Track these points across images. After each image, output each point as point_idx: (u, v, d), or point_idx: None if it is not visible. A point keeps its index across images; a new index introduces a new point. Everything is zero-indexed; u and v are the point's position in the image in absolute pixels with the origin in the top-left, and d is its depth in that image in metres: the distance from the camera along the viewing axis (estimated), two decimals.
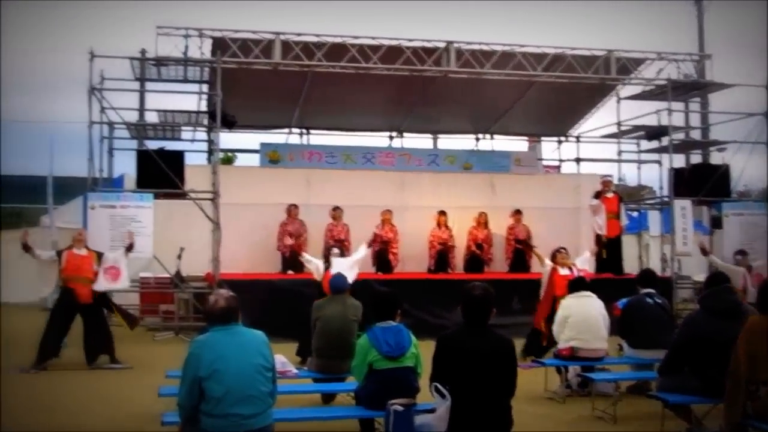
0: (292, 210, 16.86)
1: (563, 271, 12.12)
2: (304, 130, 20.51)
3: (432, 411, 5.83)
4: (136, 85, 17.94)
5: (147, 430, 7.94)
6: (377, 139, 21.03)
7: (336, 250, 12.94)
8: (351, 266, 12.35)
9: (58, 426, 8.30)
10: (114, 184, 17.19)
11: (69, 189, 20.62)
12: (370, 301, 7.19)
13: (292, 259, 16.40)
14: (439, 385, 5.66)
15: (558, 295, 11.24)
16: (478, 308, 5.72)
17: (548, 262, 12.38)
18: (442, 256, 17.34)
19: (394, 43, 15.70)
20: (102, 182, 15.80)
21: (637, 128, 18.98)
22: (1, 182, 23.98)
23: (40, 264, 12.30)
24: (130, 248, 12.92)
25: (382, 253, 16.82)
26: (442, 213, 17.54)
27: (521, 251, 17.43)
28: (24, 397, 9.65)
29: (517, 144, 22.73)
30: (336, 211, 16.89)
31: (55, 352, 11.77)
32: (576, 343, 9.71)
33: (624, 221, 17.12)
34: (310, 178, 18.26)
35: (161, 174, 14.34)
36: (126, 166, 17.59)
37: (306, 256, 13.27)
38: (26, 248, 12.10)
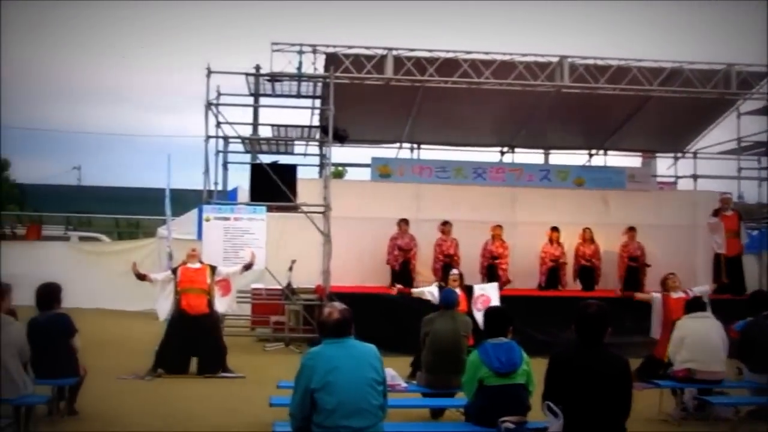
0: (402, 224, 16.88)
1: (676, 294, 11.82)
2: (415, 145, 20.52)
3: (544, 430, 5.72)
4: (251, 100, 18.34)
5: None
6: (488, 154, 20.91)
7: (455, 272, 12.79)
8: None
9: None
10: (228, 196, 17.55)
11: (185, 201, 21.15)
12: (484, 317, 7.12)
13: (401, 274, 16.47)
14: (551, 404, 5.56)
15: (675, 318, 10.87)
16: (593, 326, 5.58)
17: (655, 295, 12.22)
18: (553, 272, 17.09)
19: (506, 58, 15.58)
20: (216, 195, 16.18)
21: (758, 144, 18.34)
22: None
23: (158, 285, 12.71)
24: (249, 267, 13.20)
25: (492, 268, 16.69)
26: (555, 229, 17.30)
27: (634, 269, 17.05)
28: (139, 403, 9.90)
29: (631, 160, 22.25)
30: (446, 226, 16.84)
31: (180, 367, 12.03)
32: (693, 365, 9.41)
33: (744, 239, 16.57)
34: (420, 192, 18.25)
35: (274, 187, 14.58)
36: (240, 179, 18.00)
37: (415, 290, 13.15)
38: (140, 277, 12.62)
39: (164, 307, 12.75)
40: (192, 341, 12.04)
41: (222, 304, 12.98)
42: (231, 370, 12.11)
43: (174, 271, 12.66)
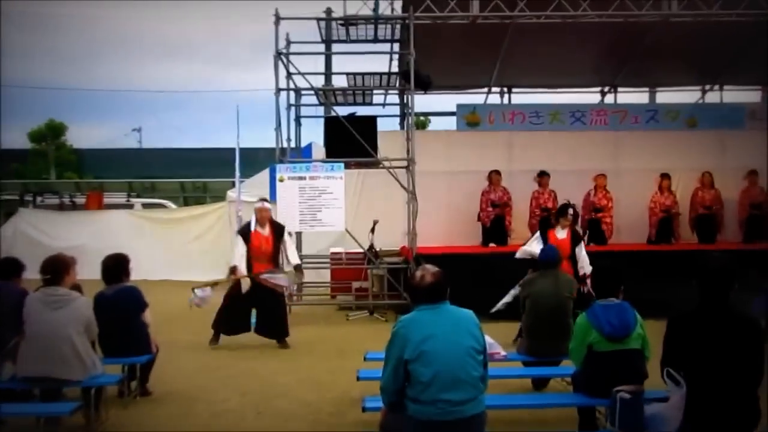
0: (494, 177, 16.81)
1: None
2: (505, 89, 20.32)
3: (664, 400, 5.66)
4: (323, 47, 18.35)
5: (348, 415, 8.14)
6: (587, 96, 20.62)
7: (571, 211, 12.53)
8: None
9: (253, 408, 8.63)
10: (302, 154, 17.68)
11: (256, 161, 21.39)
12: (592, 275, 7.08)
13: (494, 231, 16.46)
14: (672, 371, 5.47)
15: None
16: (718, 282, 5.45)
17: None
18: (665, 224, 16.86)
19: None
20: (290, 152, 16.29)
21: None
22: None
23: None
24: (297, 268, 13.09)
25: (594, 222, 16.54)
26: (665, 176, 17.01)
27: (757, 217, 16.69)
28: (217, 379, 10.07)
29: (750, 95, 21.64)
30: (542, 177, 16.75)
31: (241, 326, 12.21)
32: None
33: None
34: (512, 141, 18.19)
35: (352, 141, 14.61)
36: (314, 134, 18.09)
37: (519, 253, 12.93)
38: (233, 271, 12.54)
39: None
40: (254, 302, 12.20)
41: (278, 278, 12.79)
42: (287, 346, 12.22)
43: (245, 234, 12.64)
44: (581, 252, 11.99)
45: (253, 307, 12.22)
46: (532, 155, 17.66)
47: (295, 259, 12.72)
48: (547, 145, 17.85)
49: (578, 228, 13.65)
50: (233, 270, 12.31)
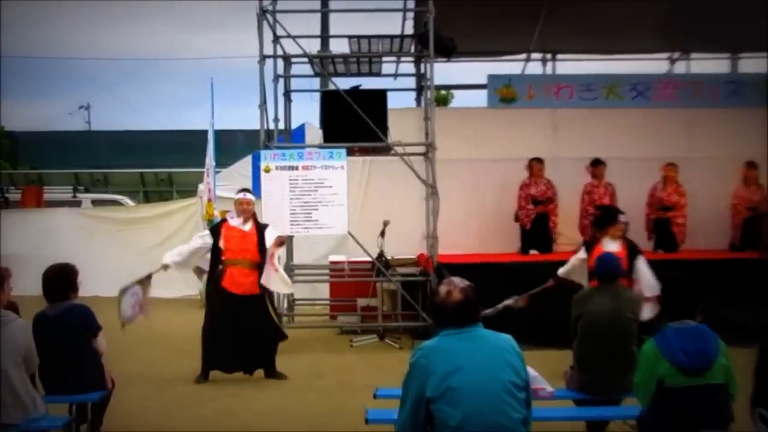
0: (534, 166, 16.79)
1: None
2: (548, 56, 20.29)
3: None
4: (318, 4, 18.33)
5: None
6: (652, 65, 20.56)
7: (622, 218, 12.48)
8: None
9: None
10: (293, 137, 17.68)
11: (233, 146, 21.38)
12: (662, 291, 7.02)
13: (535, 234, 16.50)
14: (764, 412, 5.45)
15: None
16: None
17: None
18: (751, 225, 16.70)
19: None
20: (278, 136, 16.28)
21: None
22: None
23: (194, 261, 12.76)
24: (281, 244, 13.05)
25: (663, 223, 16.48)
26: (752, 165, 16.92)
27: None
28: (192, 420, 10.08)
29: None
30: (597, 167, 16.71)
31: (239, 363, 12.24)
32: None
33: None
34: (558, 121, 18.17)
35: (356, 122, 14.61)
36: (308, 113, 18.07)
37: (562, 270, 12.80)
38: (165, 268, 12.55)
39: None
40: (241, 329, 12.16)
41: (276, 282, 12.78)
42: (279, 374, 12.22)
43: (214, 230, 12.66)
44: (643, 267, 11.91)
45: (238, 332, 12.18)
46: (583, 139, 17.64)
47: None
48: (601, 126, 17.82)
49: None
50: (165, 267, 12.48)
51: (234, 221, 12.49)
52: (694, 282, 7.03)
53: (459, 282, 5.48)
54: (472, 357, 5.24)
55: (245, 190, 12.98)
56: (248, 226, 12.48)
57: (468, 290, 5.43)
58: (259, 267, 12.31)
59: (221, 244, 12.31)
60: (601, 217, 12.89)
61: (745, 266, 15.24)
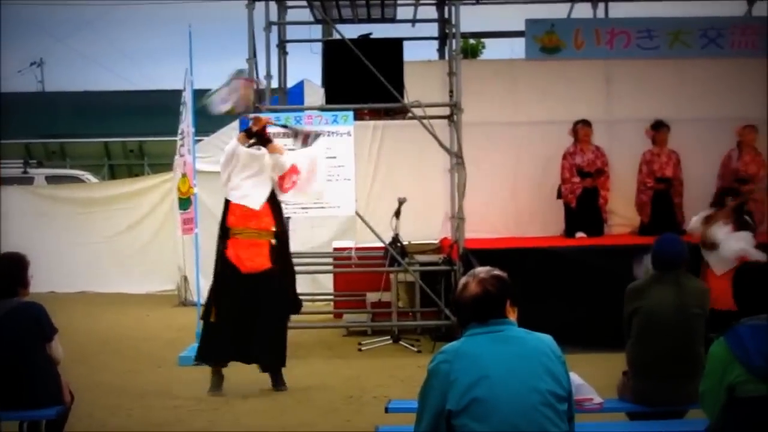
0: (581, 130, 16.75)
1: None
2: None
3: None
4: None
5: None
6: (726, 5, 20.44)
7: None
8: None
9: None
10: (290, 98, 17.65)
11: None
12: (735, 280, 7.00)
13: (582, 213, 16.48)
14: None
15: None
16: None
17: None
18: None
19: None
20: (271, 96, 16.26)
21: None
22: None
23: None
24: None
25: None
26: None
27: None
28: None
29: None
30: (659, 131, 16.64)
31: (236, 353, 12.14)
32: None
33: None
34: (611, 74, 18.06)
35: (365, 78, 14.57)
36: (307, 68, 18.02)
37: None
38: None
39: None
40: (249, 313, 12.09)
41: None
42: (283, 385, 12.17)
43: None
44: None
45: (241, 318, 12.09)
46: (642, 97, 17.55)
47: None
48: (664, 80, 17.74)
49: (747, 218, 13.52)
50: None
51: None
52: None
53: (482, 272, 5.45)
54: (503, 362, 5.20)
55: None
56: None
57: (490, 281, 5.38)
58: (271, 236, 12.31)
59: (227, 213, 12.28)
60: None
61: None
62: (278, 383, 12.08)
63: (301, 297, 15.78)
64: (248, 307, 11.97)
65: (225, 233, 12.16)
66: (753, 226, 12.54)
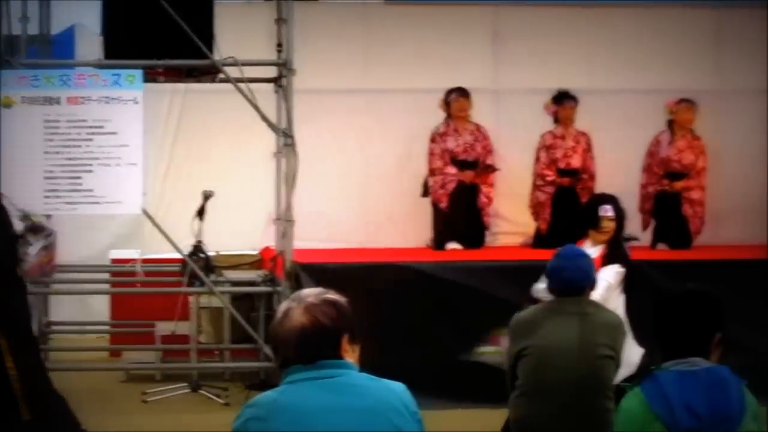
0: (455, 102, 16.82)
1: None
2: None
3: None
4: None
5: None
6: None
7: (608, 208, 12.55)
8: None
9: None
10: (55, 48, 17.49)
11: None
12: (657, 312, 7.06)
13: (457, 218, 16.60)
14: None
15: None
16: None
17: None
18: None
19: None
20: (28, 46, 16.12)
21: None
22: None
23: None
24: None
25: (669, 200, 16.72)
26: None
27: None
28: None
29: None
30: (563, 105, 16.84)
31: None
32: None
33: None
34: (502, 26, 18.32)
35: (160, 27, 14.49)
36: (80, 10, 17.88)
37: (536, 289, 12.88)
38: None
39: None
40: None
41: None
42: None
43: None
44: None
45: None
46: (542, 59, 17.83)
47: None
48: (572, 36, 18.04)
49: (627, 244, 13.66)
50: None
51: None
52: (713, 297, 7.12)
53: (310, 295, 5.41)
54: (335, 419, 5.16)
55: None
56: None
57: (321, 308, 5.31)
58: None
59: None
60: (585, 210, 12.97)
61: None
62: None
63: (62, 326, 15.75)
64: None
65: None
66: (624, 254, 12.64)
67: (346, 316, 5.37)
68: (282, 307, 5.40)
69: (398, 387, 5.39)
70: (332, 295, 5.40)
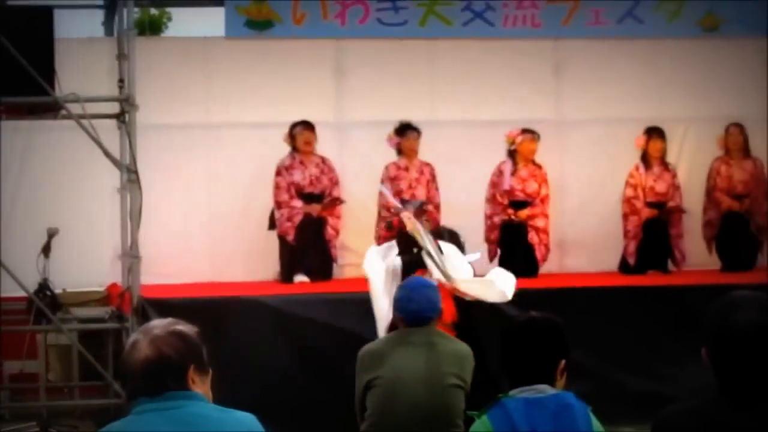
0: (300, 135, 16.90)
1: None
2: None
3: None
4: None
5: None
6: None
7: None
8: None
9: None
10: None
11: None
12: (501, 341, 7.08)
13: (304, 250, 16.66)
14: None
15: None
16: (747, 355, 5.55)
17: None
18: (653, 231, 17.31)
19: None
20: None
21: None
22: None
23: None
24: None
25: (514, 230, 16.86)
26: (654, 132, 17.45)
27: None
28: None
29: None
30: (405, 137, 16.91)
31: None
32: None
33: None
34: (344, 60, 18.33)
35: None
36: None
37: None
38: None
39: None
40: None
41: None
42: None
43: None
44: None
45: None
46: (384, 91, 17.87)
47: None
48: (414, 68, 18.13)
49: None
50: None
51: None
52: (555, 325, 7.15)
53: (157, 327, 5.37)
54: None
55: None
56: None
57: (167, 340, 5.27)
58: None
59: None
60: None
61: (640, 296, 15.72)
62: None
63: None
64: None
65: None
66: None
67: (193, 346, 5.34)
68: (130, 339, 5.40)
69: (246, 418, 5.39)
70: (180, 326, 5.36)
